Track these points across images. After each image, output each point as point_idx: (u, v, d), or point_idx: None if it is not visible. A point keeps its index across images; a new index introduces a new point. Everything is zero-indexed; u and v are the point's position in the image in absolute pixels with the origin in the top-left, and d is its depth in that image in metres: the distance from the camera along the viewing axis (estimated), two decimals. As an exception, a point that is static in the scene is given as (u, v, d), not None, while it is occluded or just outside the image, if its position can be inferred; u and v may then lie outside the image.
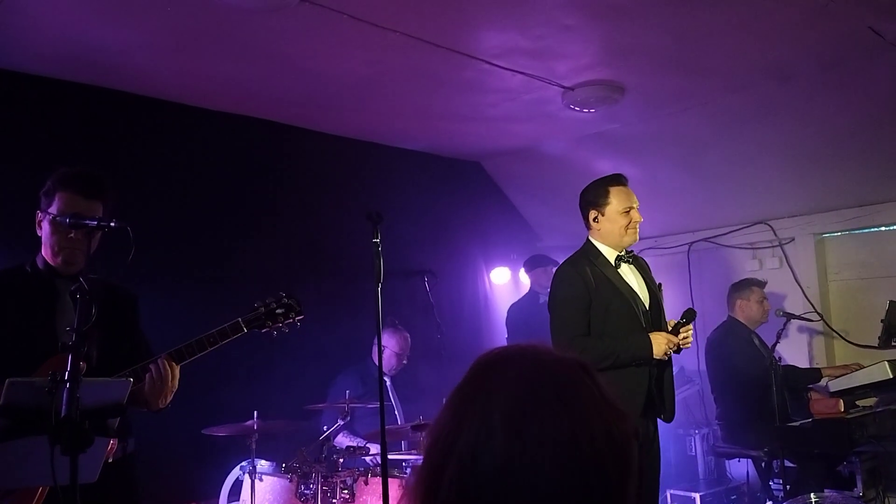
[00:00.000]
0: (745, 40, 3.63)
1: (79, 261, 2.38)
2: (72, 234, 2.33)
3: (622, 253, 3.12)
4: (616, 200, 3.09)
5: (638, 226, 3.12)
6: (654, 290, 3.14)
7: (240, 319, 2.55)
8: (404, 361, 4.65)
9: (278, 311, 2.61)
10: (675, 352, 2.99)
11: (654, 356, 2.91)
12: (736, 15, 3.35)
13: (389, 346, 4.54)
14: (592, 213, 3.14)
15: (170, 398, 2.44)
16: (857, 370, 4.20)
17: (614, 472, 0.89)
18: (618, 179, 3.15)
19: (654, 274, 3.33)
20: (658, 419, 3.11)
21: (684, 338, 2.98)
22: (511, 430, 0.88)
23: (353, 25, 3.28)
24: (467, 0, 3.15)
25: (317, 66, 3.81)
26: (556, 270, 3.14)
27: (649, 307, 3.09)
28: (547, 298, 5.39)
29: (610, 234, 3.10)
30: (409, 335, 4.67)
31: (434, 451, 0.93)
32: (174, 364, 2.39)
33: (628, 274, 3.13)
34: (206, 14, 3.15)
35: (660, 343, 2.93)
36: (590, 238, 3.18)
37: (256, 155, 4.65)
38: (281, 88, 4.13)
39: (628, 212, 3.07)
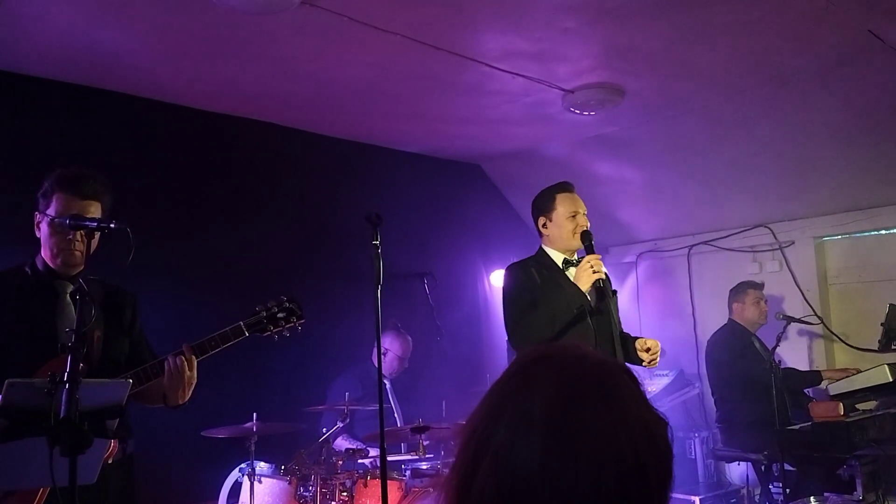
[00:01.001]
0: (744, 44, 3.64)
1: (78, 262, 2.39)
2: (70, 236, 2.33)
3: (571, 258, 3.19)
4: (562, 206, 3.17)
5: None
6: (606, 295, 3.12)
7: (241, 323, 2.56)
8: (406, 365, 4.65)
9: (280, 314, 2.61)
10: (598, 289, 2.99)
11: (584, 285, 2.94)
12: (735, 18, 3.36)
13: (392, 349, 4.54)
14: (541, 220, 3.23)
15: (189, 393, 2.47)
16: (856, 374, 4.21)
17: (654, 474, 0.87)
18: (564, 186, 3.25)
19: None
20: None
21: (594, 259, 2.98)
22: (550, 425, 0.86)
23: (353, 28, 3.29)
24: (468, 3, 3.16)
25: (317, 68, 3.82)
26: (505, 270, 3.20)
27: (599, 310, 3.09)
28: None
29: (558, 238, 3.17)
30: (411, 339, 4.67)
31: (470, 445, 0.91)
32: (192, 357, 2.42)
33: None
34: (207, 16, 3.16)
35: (581, 273, 2.97)
36: (541, 245, 3.27)
37: (256, 157, 4.65)
38: (281, 91, 4.13)
39: (574, 216, 3.14)
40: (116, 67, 3.71)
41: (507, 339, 3.18)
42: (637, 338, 3.13)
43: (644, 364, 3.06)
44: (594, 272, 2.95)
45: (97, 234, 2.22)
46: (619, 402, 0.89)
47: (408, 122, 4.84)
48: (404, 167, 5.42)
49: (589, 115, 4.48)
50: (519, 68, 3.89)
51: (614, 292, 3.25)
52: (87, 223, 2.14)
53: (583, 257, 3.11)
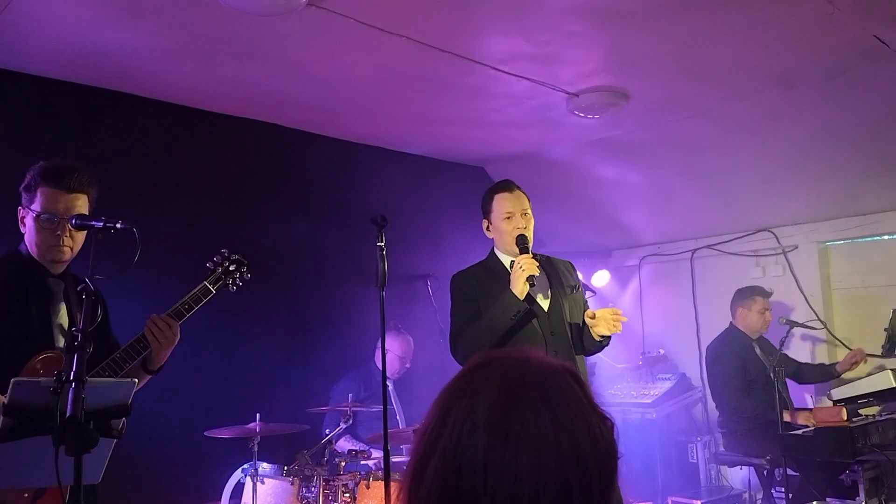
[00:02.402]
0: (749, 48, 3.64)
1: (67, 257, 2.41)
2: (59, 231, 2.33)
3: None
4: (498, 207, 3.05)
5: (528, 232, 3.02)
6: (561, 292, 3.03)
7: (205, 282, 2.62)
8: (407, 365, 4.65)
9: (231, 267, 2.71)
10: (530, 283, 2.84)
11: (517, 289, 2.80)
12: (741, 22, 3.36)
13: (392, 349, 4.54)
14: (484, 222, 3.14)
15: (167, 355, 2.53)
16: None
17: (596, 473, 0.90)
18: (501, 185, 3.11)
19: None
20: None
21: (524, 259, 2.86)
22: (493, 426, 0.90)
23: (359, 30, 3.30)
24: (473, 5, 3.17)
25: (322, 70, 3.83)
26: (451, 279, 3.14)
27: (549, 310, 2.99)
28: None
29: (500, 241, 3.08)
30: (412, 339, 4.68)
31: (420, 446, 0.95)
32: (171, 321, 2.47)
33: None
34: (213, 17, 3.17)
35: (512, 276, 2.85)
36: (492, 248, 3.17)
37: (261, 158, 4.66)
38: (286, 92, 4.14)
39: (509, 218, 3.01)
40: (122, 68, 3.72)
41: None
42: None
43: (605, 336, 2.89)
44: (523, 271, 2.81)
45: (85, 230, 2.26)
46: (561, 403, 0.93)
47: (412, 124, 4.85)
48: (409, 169, 5.42)
49: (593, 118, 4.49)
50: (523, 71, 3.89)
51: (576, 288, 3.12)
52: (94, 223, 2.14)
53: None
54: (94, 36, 3.35)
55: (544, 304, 3.01)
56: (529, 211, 3.08)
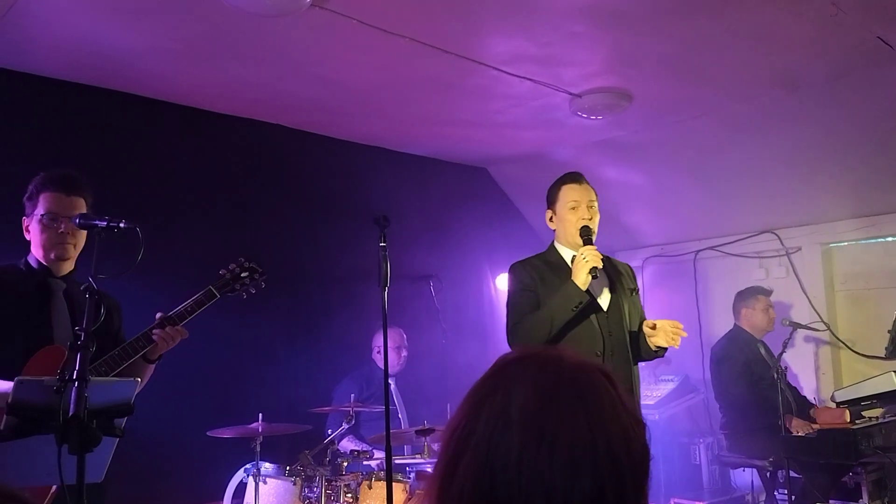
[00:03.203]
0: (752, 49, 3.64)
1: (71, 255, 2.49)
2: (62, 229, 2.43)
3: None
4: (564, 197, 3.00)
5: (593, 224, 2.98)
6: (622, 293, 2.98)
7: (211, 287, 2.67)
8: (404, 354, 4.62)
9: (243, 274, 2.77)
10: (593, 276, 2.77)
11: (579, 279, 2.74)
12: (743, 24, 3.36)
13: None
14: (548, 213, 3.09)
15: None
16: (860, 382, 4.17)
17: (629, 474, 0.89)
18: (569, 177, 3.05)
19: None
20: None
21: (587, 250, 2.80)
22: (527, 424, 0.88)
23: (362, 31, 3.30)
24: (476, 6, 3.17)
25: (325, 70, 3.83)
26: (509, 269, 3.07)
27: (608, 309, 2.93)
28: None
29: (563, 233, 3.01)
30: (401, 329, 4.65)
31: (451, 444, 0.93)
32: (178, 329, 2.56)
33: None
34: (216, 18, 3.18)
35: (575, 267, 2.79)
36: (553, 241, 3.11)
37: (264, 158, 4.67)
38: (289, 92, 4.15)
39: (575, 208, 2.96)
40: (125, 68, 3.73)
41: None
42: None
43: (661, 346, 2.84)
44: (586, 262, 2.76)
45: (86, 230, 2.35)
46: (595, 402, 0.91)
47: (415, 125, 4.86)
48: (411, 170, 5.43)
49: (596, 119, 4.49)
50: (526, 72, 3.90)
51: (634, 290, 3.08)
52: (97, 222, 2.16)
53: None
54: (98, 36, 3.36)
55: (603, 302, 2.94)
56: (596, 204, 3.03)
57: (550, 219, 3.07)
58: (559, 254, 3.04)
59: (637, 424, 0.93)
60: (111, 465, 2.16)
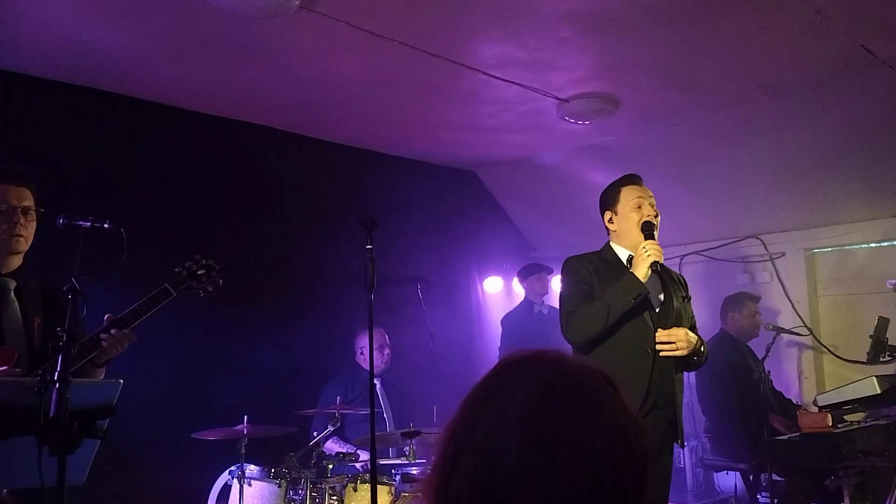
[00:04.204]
0: (738, 56, 3.67)
1: (23, 248, 2.46)
2: (15, 219, 2.40)
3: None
4: (627, 197, 3.02)
5: (656, 222, 2.98)
6: (675, 297, 2.97)
7: (167, 285, 2.61)
8: (387, 352, 4.61)
9: (199, 272, 2.72)
10: (654, 269, 2.80)
11: (640, 271, 2.78)
12: (729, 31, 3.39)
13: (367, 345, 4.52)
14: (607, 215, 3.08)
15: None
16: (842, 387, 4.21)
17: (629, 478, 0.89)
18: (630, 178, 3.10)
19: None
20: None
21: (650, 245, 2.83)
22: (526, 425, 0.88)
23: (351, 33, 3.30)
24: (465, 11, 3.18)
25: (314, 72, 3.83)
26: (563, 264, 3.06)
27: (660, 309, 2.93)
28: (542, 308, 5.46)
29: (625, 233, 3.01)
30: (383, 329, 4.62)
31: (450, 443, 0.93)
32: (128, 333, 2.46)
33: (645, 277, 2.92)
34: (205, 19, 3.17)
35: (637, 259, 2.83)
36: (609, 242, 3.12)
37: (251, 160, 4.65)
38: (278, 94, 4.14)
39: (640, 207, 2.97)
40: (112, 68, 3.71)
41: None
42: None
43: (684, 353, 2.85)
44: (648, 256, 2.79)
45: (35, 222, 2.37)
46: (596, 406, 0.91)
47: (404, 129, 4.86)
48: (399, 173, 5.43)
49: (584, 124, 4.51)
50: (515, 77, 3.91)
51: (687, 297, 3.09)
52: (81, 223, 2.15)
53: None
54: (86, 36, 3.35)
55: (656, 302, 2.95)
56: (655, 203, 3.04)
57: (610, 220, 3.08)
58: (615, 252, 3.05)
59: (638, 428, 0.93)
60: (93, 467, 2.14)
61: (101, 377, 2.50)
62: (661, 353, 2.83)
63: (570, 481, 0.86)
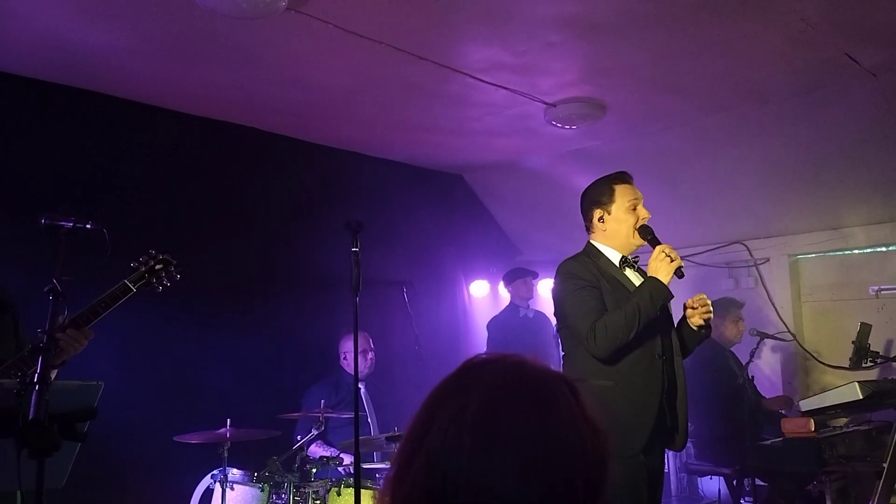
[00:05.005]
0: (724, 63, 3.70)
1: None
2: None
3: (630, 256, 2.89)
4: (622, 197, 2.85)
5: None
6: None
7: (125, 281, 2.55)
8: (370, 356, 4.58)
9: (157, 266, 2.65)
10: (678, 276, 2.73)
11: (666, 277, 2.68)
12: (716, 37, 3.41)
13: (351, 349, 4.50)
14: (597, 213, 2.87)
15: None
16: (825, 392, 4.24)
17: (582, 485, 0.89)
18: (622, 176, 2.92)
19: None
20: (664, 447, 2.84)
21: (668, 248, 2.74)
22: (481, 429, 0.89)
23: (338, 35, 3.29)
24: (453, 14, 3.18)
25: (301, 74, 3.82)
26: (558, 268, 2.85)
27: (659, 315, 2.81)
28: (527, 312, 5.46)
29: (616, 234, 2.85)
30: (366, 333, 4.58)
31: (405, 445, 0.94)
32: (83, 330, 2.39)
33: (637, 279, 2.86)
34: (192, 19, 3.14)
35: (657, 264, 2.70)
36: (591, 241, 2.93)
37: (237, 161, 4.63)
38: (264, 96, 4.12)
39: (634, 208, 2.85)
40: (97, 68, 3.68)
41: (565, 354, 2.87)
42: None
43: (701, 326, 2.82)
44: (672, 261, 2.68)
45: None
46: (552, 411, 0.92)
47: (391, 131, 4.85)
48: (386, 175, 5.42)
49: (570, 128, 4.52)
50: (502, 80, 3.91)
51: (707, 328, 2.93)
52: (63, 223, 2.12)
53: (636, 258, 2.89)
54: (71, 35, 3.31)
55: None
56: None
57: (600, 219, 2.88)
58: (604, 254, 2.87)
59: (595, 435, 0.94)
60: (73, 470, 2.12)
61: (52, 378, 2.37)
62: (700, 318, 2.79)
63: (519, 485, 0.87)
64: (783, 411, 4.77)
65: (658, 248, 2.75)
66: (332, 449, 4.14)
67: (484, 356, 1.00)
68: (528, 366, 0.97)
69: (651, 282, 2.70)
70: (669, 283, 2.71)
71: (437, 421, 0.92)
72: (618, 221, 2.85)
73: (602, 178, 2.96)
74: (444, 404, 0.94)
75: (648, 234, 2.83)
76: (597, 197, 2.90)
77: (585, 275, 2.76)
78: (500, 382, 0.94)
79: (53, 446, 1.72)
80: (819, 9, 3.12)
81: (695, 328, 2.85)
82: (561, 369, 2.78)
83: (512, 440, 0.88)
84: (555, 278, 2.89)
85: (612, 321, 2.63)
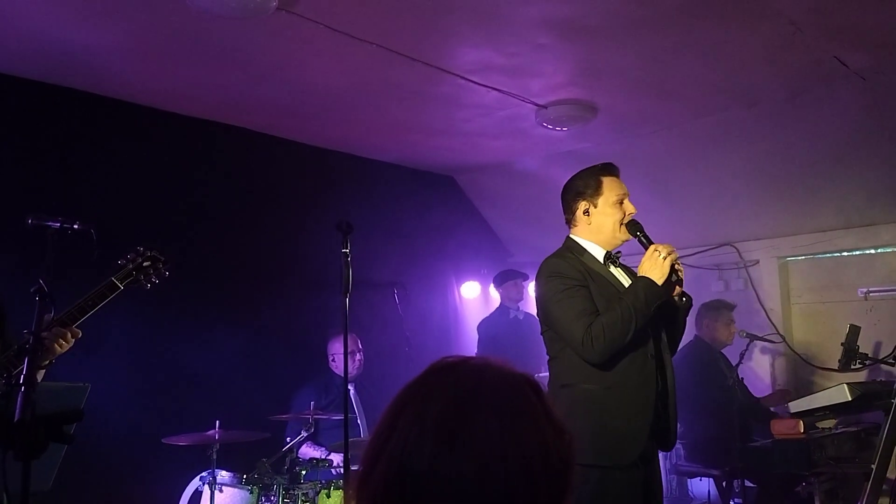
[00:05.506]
0: (713, 65, 3.71)
1: None
2: None
3: (613, 252, 2.73)
4: (609, 190, 2.70)
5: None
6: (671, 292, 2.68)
7: (112, 278, 2.51)
8: (359, 358, 4.56)
9: (145, 264, 2.61)
10: (676, 281, 2.55)
11: (661, 278, 2.50)
12: (705, 40, 3.42)
13: (339, 351, 4.49)
14: (583, 205, 2.70)
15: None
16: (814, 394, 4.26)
17: (545, 487, 0.90)
18: (610, 168, 2.77)
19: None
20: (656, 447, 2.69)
21: (664, 247, 2.56)
22: (441, 431, 0.90)
23: (329, 36, 3.28)
24: (444, 15, 3.18)
25: (292, 75, 3.81)
26: (541, 266, 2.67)
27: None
28: (517, 314, 5.46)
29: (601, 228, 2.69)
30: (354, 334, 4.55)
31: (369, 448, 0.95)
32: (69, 328, 2.35)
33: (622, 276, 2.72)
34: (182, 19, 3.13)
35: (651, 263, 2.53)
36: (572, 236, 2.77)
37: (227, 161, 4.61)
38: (255, 96, 4.11)
39: (621, 202, 2.69)
40: (87, 68, 3.65)
41: (552, 357, 2.67)
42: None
43: (683, 294, 2.60)
44: (664, 259, 2.51)
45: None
46: (512, 412, 0.92)
47: (382, 132, 4.84)
48: (377, 176, 5.41)
49: (561, 130, 4.53)
50: (493, 82, 3.92)
51: (687, 296, 2.68)
52: (50, 224, 2.11)
53: (619, 253, 2.73)
54: (61, 35, 3.29)
55: None
56: None
57: (586, 211, 2.71)
58: (587, 250, 2.71)
59: (559, 437, 0.94)
60: (60, 472, 2.10)
61: (40, 380, 2.31)
62: (673, 264, 2.55)
63: (480, 487, 0.87)
64: (784, 406, 4.78)
65: (654, 245, 2.58)
66: (323, 448, 4.13)
67: (450, 359, 1.01)
68: (491, 367, 0.98)
69: (644, 282, 2.52)
70: (663, 283, 2.52)
71: (401, 424, 0.93)
72: (604, 215, 2.69)
73: (587, 168, 2.79)
74: (406, 409, 0.94)
75: (638, 230, 2.67)
76: (582, 188, 2.74)
77: (572, 273, 2.58)
78: (463, 385, 0.95)
79: (40, 448, 1.70)
80: (808, 12, 3.14)
81: (676, 298, 2.63)
82: (548, 373, 2.74)
83: (473, 441, 0.88)
84: (537, 278, 2.70)
85: (609, 325, 2.45)
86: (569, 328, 2.52)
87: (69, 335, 2.32)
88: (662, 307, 2.59)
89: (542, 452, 0.91)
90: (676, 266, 2.57)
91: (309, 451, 4.10)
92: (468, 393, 0.93)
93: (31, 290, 1.96)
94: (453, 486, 0.87)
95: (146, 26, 3.23)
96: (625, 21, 3.23)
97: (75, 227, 2.10)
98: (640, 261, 2.59)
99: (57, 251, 2.17)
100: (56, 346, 2.29)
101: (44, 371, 2.35)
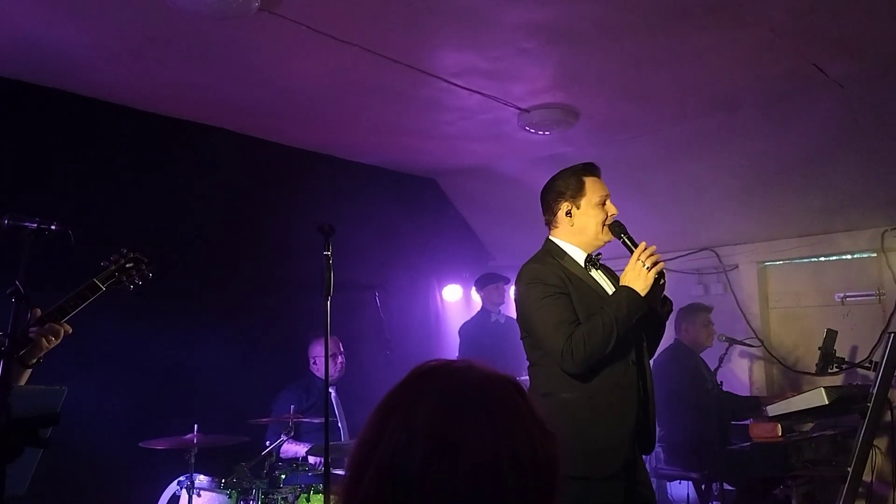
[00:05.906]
0: (694, 71, 3.74)
1: None
2: None
3: (593, 254, 2.67)
4: (592, 191, 2.64)
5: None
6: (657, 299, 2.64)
7: (94, 279, 2.47)
8: (340, 360, 4.55)
9: (128, 265, 2.58)
10: (659, 283, 2.50)
11: (645, 287, 2.44)
12: (686, 47, 3.45)
13: (321, 354, 4.47)
14: (565, 206, 2.64)
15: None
16: (793, 397, 4.31)
17: (534, 486, 0.90)
18: (593, 167, 2.72)
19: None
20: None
21: (650, 252, 2.50)
22: (432, 438, 0.89)
23: (312, 37, 3.27)
24: (427, 18, 3.18)
25: (273, 76, 3.79)
26: (521, 271, 2.62)
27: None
28: (499, 318, 5.47)
29: (583, 230, 2.63)
30: (336, 337, 4.54)
31: (356, 455, 0.95)
32: (63, 326, 2.32)
33: (603, 280, 2.66)
34: (164, 19, 3.10)
35: (634, 273, 2.46)
36: (552, 238, 2.71)
37: (207, 162, 4.57)
38: (235, 96, 4.08)
39: (604, 204, 2.64)
40: (64, 66, 3.61)
41: (531, 364, 2.62)
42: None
43: (665, 298, 2.59)
44: (648, 269, 2.44)
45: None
46: (501, 413, 0.93)
47: (364, 134, 4.83)
48: (359, 179, 5.40)
49: (543, 134, 4.54)
50: (476, 85, 3.92)
51: (668, 301, 2.67)
52: (27, 224, 2.07)
53: (599, 255, 2.66)
54: (40, 34, 3.25)
55: None
56: None
57: (568, 213, 2.64)
58: (568, 254, 2.65)
59: (545, 436, 0.95)
60: (35, 477, 2.07)
61: (24, 381, 2.29)
62: (654, 266, 2.49)
63: (473, 488, 0.87)
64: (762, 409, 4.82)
65: (635, 254, 2.51)
66: (305, 443, 4.10)
67: (432, 363, 1.01)
68: (475, 369, 0.98)
69: (627, 292, 2.46)
70: (644, 286, 2.46)
71: (387, 432, 0.92)
72: (587, 216, 2.63)
73: (568, 168, 2.73)
74: (393, 415, 0.94)
75: (622, 232, 2.61)
76: (564, 189, 2.68)
77: (553, 279, 2.51)
78: (449, 388, 0.95)
79: (14, 452, 1.67)
80: (788, 20, 3.18)
81: (657, 304, 2.60)
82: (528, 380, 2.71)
83: (464, 443, 0.88)
84: (517, 283, 2.63)
85: (590, 336, 2.39)
86: (548, 338, 2.46)
87: (61, 331, 2.27)
88: (636, 325, 2.53)
89: (530, 450, 0.91)
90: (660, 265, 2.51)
91: (291, 448, 4.07)
92: (456, 395, 0.93)
93: (7, 292, 1.93)
94: (447, 488, 0.87)
95: (126, 25, 3.20)
96: (607, 27, 3.25)
97: (52, 227, 2.06)
98: (625, 265, 2.55)
99: (34, 252, 2.13)
100: (44, 340, 2.24)
101: (29, 371, 2.31)
